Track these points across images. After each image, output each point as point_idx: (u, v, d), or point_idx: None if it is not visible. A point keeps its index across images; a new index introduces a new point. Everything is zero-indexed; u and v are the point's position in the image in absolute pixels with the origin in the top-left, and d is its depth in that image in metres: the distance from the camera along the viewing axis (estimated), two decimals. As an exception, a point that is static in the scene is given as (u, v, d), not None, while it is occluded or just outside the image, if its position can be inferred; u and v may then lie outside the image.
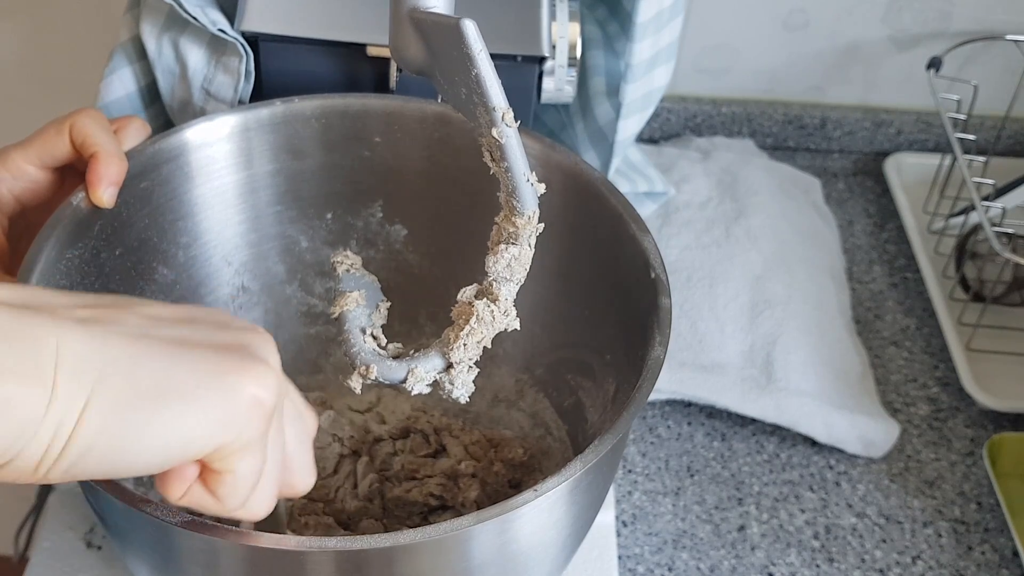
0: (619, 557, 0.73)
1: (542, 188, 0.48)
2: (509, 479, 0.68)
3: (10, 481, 0.35)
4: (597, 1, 0.81)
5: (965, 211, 0.93)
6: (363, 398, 0.73)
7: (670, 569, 0.73)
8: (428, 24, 0.50)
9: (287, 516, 0.66)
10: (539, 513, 0.49)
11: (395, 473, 0.68)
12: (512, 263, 0.50)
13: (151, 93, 0.74)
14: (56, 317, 0.35)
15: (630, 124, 0.79)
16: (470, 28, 0.44)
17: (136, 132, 0.61)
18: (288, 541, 0.44)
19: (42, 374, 0.33)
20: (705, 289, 0.87)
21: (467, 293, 0.51)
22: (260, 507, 0.41)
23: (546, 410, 0.71)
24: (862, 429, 0.79)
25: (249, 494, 0.40)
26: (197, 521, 0.44)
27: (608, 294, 0.63)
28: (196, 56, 0.70)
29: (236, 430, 0.38)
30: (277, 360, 0.40)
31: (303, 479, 0.44)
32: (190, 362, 0.37)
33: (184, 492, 0.39)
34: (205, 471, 0.39)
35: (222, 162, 0.65)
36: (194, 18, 0.68)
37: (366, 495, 0.67)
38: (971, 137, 0.91)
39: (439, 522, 0.45)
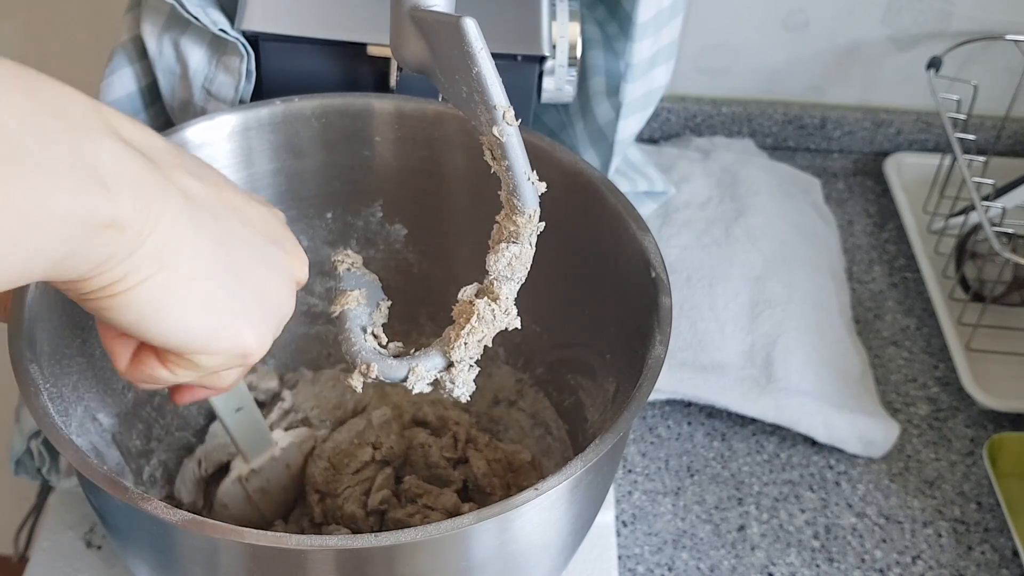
0: (619, 557, 0.73)
1: (543, 186, 0.48)
2: None
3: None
4: (597, 1, 0.81)
5: (965, 211, 0.93)
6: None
7: (670, 569, 0.73)
8: (429, 22, 0.50)
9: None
10: (539, 512, 0.49)
11: (404, 490, 0.68)
12: (513, 262, 0.50)
13: (151, 93, 0.74)
14: (166, 183, 0.39)
15: (630, 124, 0.79)
16: (471, 26, 0.44)
17: None
18: (289, 540, 0.44)
19: (142, 227, 0.37)
20: (705, 289, 0.87)
21: (468, 292, 0.51)
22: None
23: (546, 410, 0.71)
24: (862, 429, 0.79)
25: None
26: (197, 520, 0.44)
27: (608, 293, 0.63)
28: (197, 56, 0.70)
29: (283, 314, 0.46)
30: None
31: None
32: (249, 283, 0.43)
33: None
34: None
35: (222, 161, 0.65)
36: (195, 18, 0.68)
37: (374, 508, 0.67)
38: (971, 137, 0.91)
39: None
